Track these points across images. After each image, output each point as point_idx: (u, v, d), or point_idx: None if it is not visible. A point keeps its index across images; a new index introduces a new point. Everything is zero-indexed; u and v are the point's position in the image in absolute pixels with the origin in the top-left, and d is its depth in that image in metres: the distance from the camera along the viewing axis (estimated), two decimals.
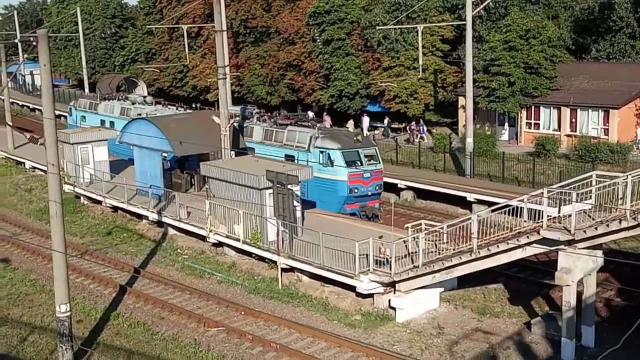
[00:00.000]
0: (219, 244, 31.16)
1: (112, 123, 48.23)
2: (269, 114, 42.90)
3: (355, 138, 34.95)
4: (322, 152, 34.10)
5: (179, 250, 32.26)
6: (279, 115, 42.65)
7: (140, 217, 35.93)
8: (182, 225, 32.79)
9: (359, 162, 33.82)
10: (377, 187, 34.48)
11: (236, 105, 45.97)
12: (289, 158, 35.20)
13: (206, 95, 68.52)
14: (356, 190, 33.54)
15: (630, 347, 20.63)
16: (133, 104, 48.83)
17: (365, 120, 55.99)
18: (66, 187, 38.73)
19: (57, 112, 69.35)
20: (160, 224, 34.53)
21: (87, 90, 77.89)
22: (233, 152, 34.74)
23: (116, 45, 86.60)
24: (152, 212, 34.55)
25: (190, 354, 22.37)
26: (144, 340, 23.48)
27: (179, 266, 30.56)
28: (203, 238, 31.61)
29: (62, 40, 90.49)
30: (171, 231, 33.86)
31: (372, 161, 34.38)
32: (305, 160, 34.58)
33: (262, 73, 63.88)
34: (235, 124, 37.24)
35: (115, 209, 37.64)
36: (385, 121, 56.43)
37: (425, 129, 53.66)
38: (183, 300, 26.66)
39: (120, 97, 51.52)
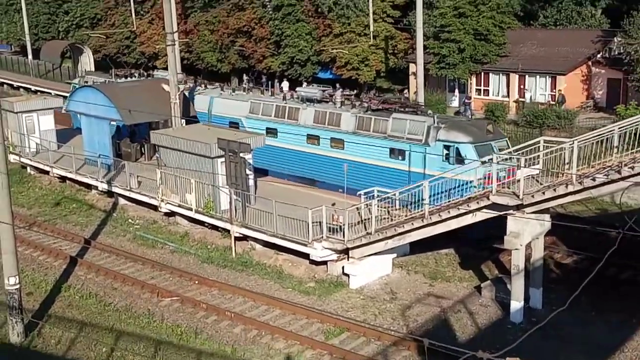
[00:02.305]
0: (171, 214, 30.90)
1: None
2: (354, 96, 34.37)
3: (486, 128, 28.26)
4: (447, 146, 27.45)
5: (130, 221, 31.90)
6: (368, 97, 33.56)
7: (89, 187, 35.34)
8: (132, 195, 32.38)
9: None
10: None
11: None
12: (397, 152, 29.17)
13: (155, 62, 67.27)
14: None
15: (576, 308, 21.22)
16: None
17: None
18: (12, 157, 37.74)
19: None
20: (110, 194, 34.02)
21: (30, 57, 75.85)
22: (184, 121, 34.31)
23: (60, 10, 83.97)
24: (102, 182, 33.99)
25: (144, 324, 22.27)
26: (97, 311, 23.27)
27: (130, 236, 30.27)
28: (155, 208, 31.30)
29: (3, 4, 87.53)
30: (122, 201, 33.42)
31: None
32: (422, 154, 28.13)
33: (211, 39, 62.86)
34: (186, 92, 36.63)
35: (63, 179, 36.94)
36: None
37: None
38: (136, 271, 26.46)
39: (142, 74, 44.33)
